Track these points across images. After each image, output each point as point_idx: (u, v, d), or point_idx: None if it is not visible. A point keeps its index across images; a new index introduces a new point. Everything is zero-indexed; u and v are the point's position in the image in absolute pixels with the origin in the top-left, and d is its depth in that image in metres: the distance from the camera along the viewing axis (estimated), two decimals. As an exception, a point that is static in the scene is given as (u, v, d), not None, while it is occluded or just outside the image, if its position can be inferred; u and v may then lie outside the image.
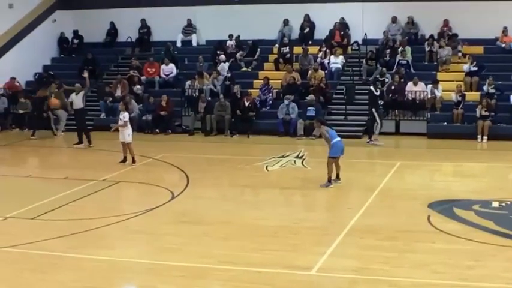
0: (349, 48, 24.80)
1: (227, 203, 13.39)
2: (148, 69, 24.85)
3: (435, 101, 21.46)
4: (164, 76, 24.63)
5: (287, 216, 12.08)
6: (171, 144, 20.62)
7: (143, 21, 26.86)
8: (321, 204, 13.71)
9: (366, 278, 8.90)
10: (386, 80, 22.14)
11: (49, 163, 18.90)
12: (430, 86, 21.77)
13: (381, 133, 19.93)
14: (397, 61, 23.19)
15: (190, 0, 26.37)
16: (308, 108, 21.47)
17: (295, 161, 17.28)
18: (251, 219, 11.91)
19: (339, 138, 14.27)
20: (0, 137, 22.26)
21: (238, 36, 25.21)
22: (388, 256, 9.69)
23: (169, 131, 22.33)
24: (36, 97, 23.25)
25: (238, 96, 22.41)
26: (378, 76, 22.18)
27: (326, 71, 23.44)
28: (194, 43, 26.77)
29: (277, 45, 25.15)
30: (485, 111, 20.20)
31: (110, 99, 23.44)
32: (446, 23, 24.08)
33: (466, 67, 22.27)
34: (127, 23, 26.95)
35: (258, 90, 23.05)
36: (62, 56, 27.79)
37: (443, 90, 21.67)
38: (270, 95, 22.88)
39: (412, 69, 23.07)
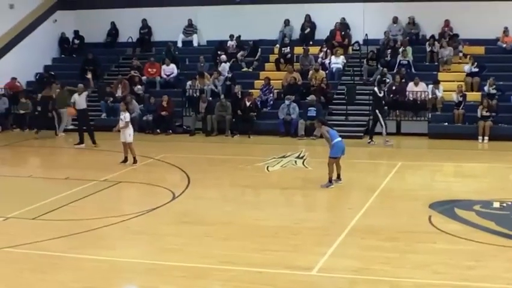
0: (350, 48, 24.80)
1: (228, 204, 13.37)
2: (149, 70, 24.86)
3: (436, 102, 21.46)
4: (165, 76, 24.64)
5: (288, 217, 12.07)
6: (171, 144, 20.62)
7: (144, 21, 26.87)
8: (321, 205, 13.70)
9: (366, 279, 8.88)
10: (387, 80, 22.13)
11: (50, 163, 18.90)
12: (431, 86, 21.77)
13: (381, 133, 19.88)
14: (398, 61, 23.20)
15: (191, 0, 26.38)
16: (309, 108, 21.47)
17: (296, 161, 17.28)
18: (252, 219, 11.90)
19: (339, 139, 14.26)
20: (1, 137, 22.28)
21: (239, 36, 25.21)
22: (389, 256, 9.68)
23: (170, 131, 22.34)
24: (41, 96, 23.26)
25: (239, 96, 22.41)
26: (381, 77, 22.11)
27: (327, 71, 23.44)
28: (195, 43, 26.77)
29: (278, 46, 25.16)
30: (486, 111, 20.20)
31: (111, 99, 23.45)
32: (447, 23, 24.09)
33: (467, 67, 22.27)
34: (128, 23, 26.97)
35: (258, 90, 23.05)
36: (62, 56, 27.81)
37: (444, 91, 21.68)
38: (271, 95, 22.88)
39: (413, 69, 23.07)
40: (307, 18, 25.39)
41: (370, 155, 18.91)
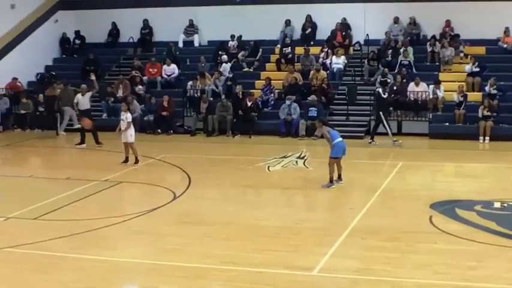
0: (351, 48, 24.79)
1: (229, 204, 13.38)
2: (150, 70, 24.86)
3: (437, 102, 21.45)
4: (166, 76, 24.64)
5: (289, 217, 12.07)
6: (172, 144, 20.62)
7: (145, 21, 26.87)
8: (322, 205, 13.71)
9: (367, 279, 8.89)
10: (388, 80, 22.12)
11: (51, 163, 18.92)
12: (432, 86, 21.76)
13: (382, 133, 19.89)
14: (399, 61, 23.18)
15: (192, 0, 26.38)
16: (310, 108, 21.47)
17: (297, 162, 17.28)
18: (253, 219, 11.91)
19: (340, 139, 14.26)
20: (2, 137, 22.30)
21: (240, 36, 25.22)
22: (390, 257, 9.68)
23: (171, 131, 22.34)
24: (46, 96, 23.29)
25: (240, 96, 22.41)
26: (384, 78, 22.05)
27: (328, 72, 23.43)
28: (196, 43, 26.77)
29: (279, 46, 25.14)
30: (487, 111, 20.19)
31: (112, 99, 23.46)
32: (448, 23, 24.07)
33: (468, 68, 22.26)
34: (129, 24, 26.97)
35: (259, 90, 23.05)
36: (63, 56, 27.81)
37: (445, 91, 21.66)
38: (272, 95, 22.88)
39: (414, 69, 23.06)
40: (308, 18, 25.39)
41: (371, 155, 18.90)
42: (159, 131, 22.33)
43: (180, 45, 26.67)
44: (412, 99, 21.68)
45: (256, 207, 13.22)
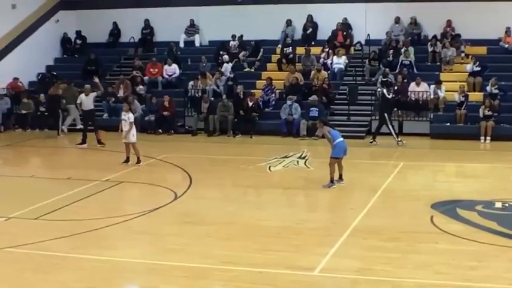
0: (352, 48, 24.80)
1: (230, 204, 13.36)
2: (151, 70, 24.86)
3: (438, 102, 21.45)
4: (167, 76, 24.65)
5: (290, 217, 12.07)
6: (173, 144, 20.62)
7: (146, 21, 26.89)
8: (323, 205, 13.70)
9: (368, 279, 8.88)
10: (390, 80, 22.11)
11: (52, 163, 18.92)
12: (433, 86, 21.76)
13: (383, 133, 19.87)
14: (400, 61, 23.18)
15: (193, 0, 26.39)
16: (311, 108, 21.47)
17: (298, 162, 17.27)
18: (254, 219, 11.90)
19: (342, 139, 14.24)
20: (3, 137, 22.31)
21: (241, 36, 25.22)
22: (391, 257, 9.67)
23: (172, 131, 22.34)
24: (49, 95, 23.29)
25: (241, 96, 22.41)
26: (385, 78, 22.02)
27: (329, 72, 23.45)
28: (197, 43, 26.77)
29: (280, 46, 25.15)
30: (489, 111, 20.18)
31: (113, 99, 23.46)
32: (449, 23, 24.08)
33: (469, 67, 22.26)
34: (130, 24, 26.99)
35: (260, 90, 23.06)
36: (64, 56, 27.84)
37: (446, 91, 21.67)
38: (273, 95, 22.88)
39: (415, 69, 23.07)
40: (309, 18, 25.39)
41: (372, 155, 18.89)
42: (160, 131, 22.33)
43: (181, 45, 26.68)
44: (413, 99, 21.68)
45: (257, 207, 13.21)
